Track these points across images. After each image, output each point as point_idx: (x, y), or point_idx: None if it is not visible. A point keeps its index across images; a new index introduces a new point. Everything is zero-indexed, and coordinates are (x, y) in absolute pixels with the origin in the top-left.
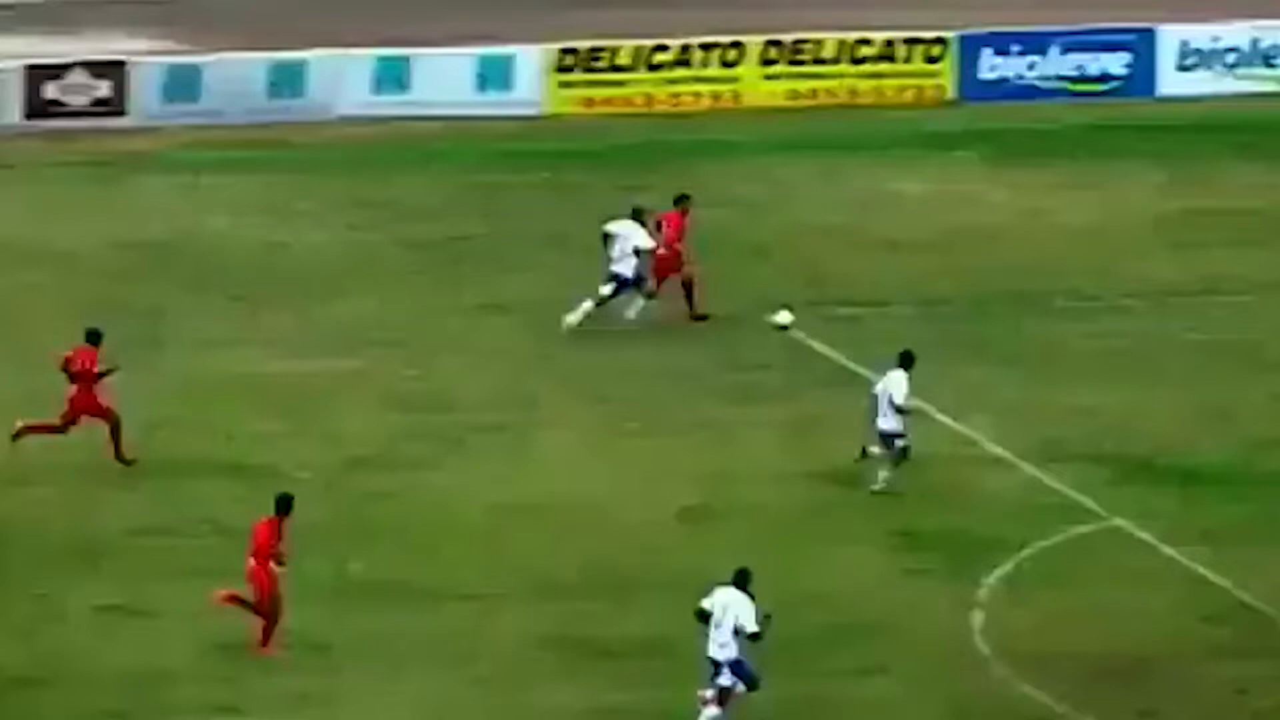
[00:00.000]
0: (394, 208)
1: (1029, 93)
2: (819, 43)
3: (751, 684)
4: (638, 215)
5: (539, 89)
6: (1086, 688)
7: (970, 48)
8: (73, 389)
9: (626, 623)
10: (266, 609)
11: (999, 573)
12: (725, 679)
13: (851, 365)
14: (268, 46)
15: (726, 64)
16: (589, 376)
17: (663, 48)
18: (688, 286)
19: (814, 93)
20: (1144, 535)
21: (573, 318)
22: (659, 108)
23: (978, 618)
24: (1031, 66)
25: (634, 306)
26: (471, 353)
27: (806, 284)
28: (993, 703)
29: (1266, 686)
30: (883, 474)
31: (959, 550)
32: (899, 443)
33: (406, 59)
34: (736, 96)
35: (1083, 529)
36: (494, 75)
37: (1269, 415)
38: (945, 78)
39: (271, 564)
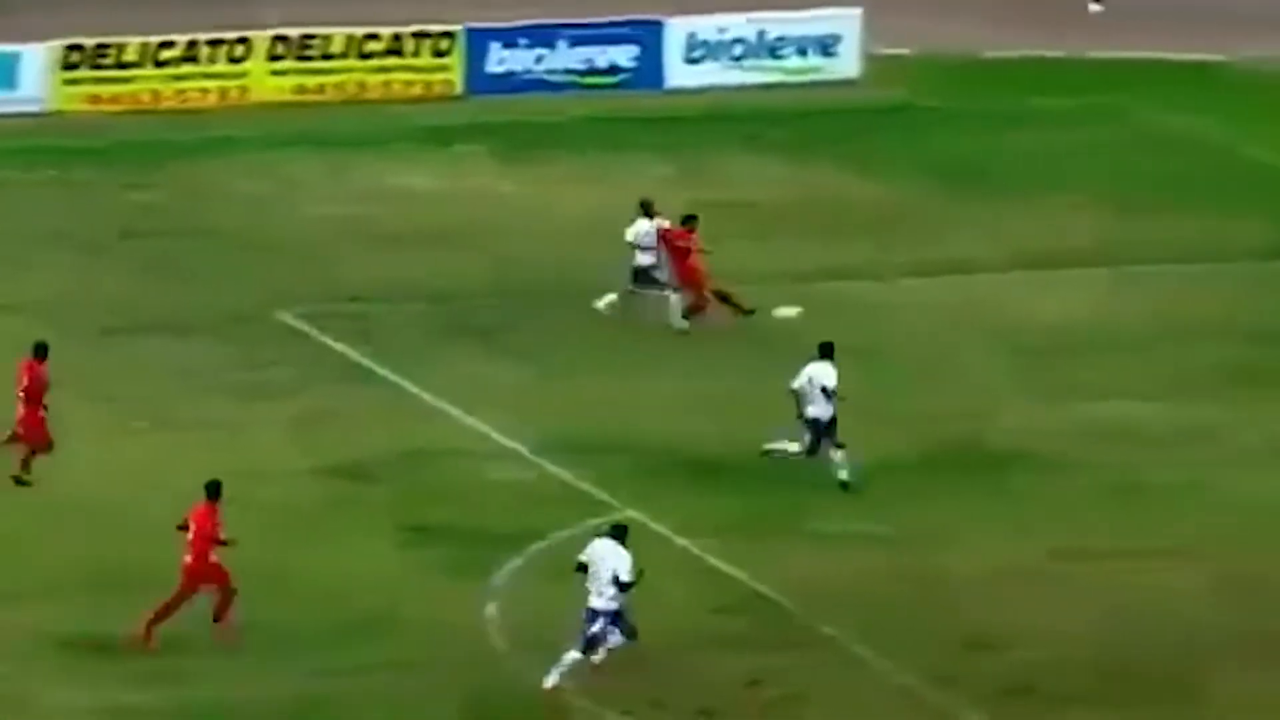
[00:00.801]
0: None
1: (538, 86)
2: (327, 38)
3: (630, 634)
4: (646, 209)
5: (44, 86)
6: (602, 679)
7: (478, 42)
8: (21, 408)
9: (139, 621)
10: (227, 591)
11: (512, 566)
12: (596, 627)
13: (363, 360)
14: None
15: (234, 60)
16: (97, 375)
17: (169, 44)
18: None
19: (321, 88)
20: (658, 527)
21: (602, 303)
22: (166, 104)
23: (492, 611)
24: (539, 60)
25: (674, 312)
26: None
27: (316, 280)
28: (509, 696)
29: (777, 677)
30: (839, 458)
31: (472, 544)
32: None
33: None
34: (244, 92)
35: (596, 521)
36: None
37: (781, 407)
38: (453, 72)
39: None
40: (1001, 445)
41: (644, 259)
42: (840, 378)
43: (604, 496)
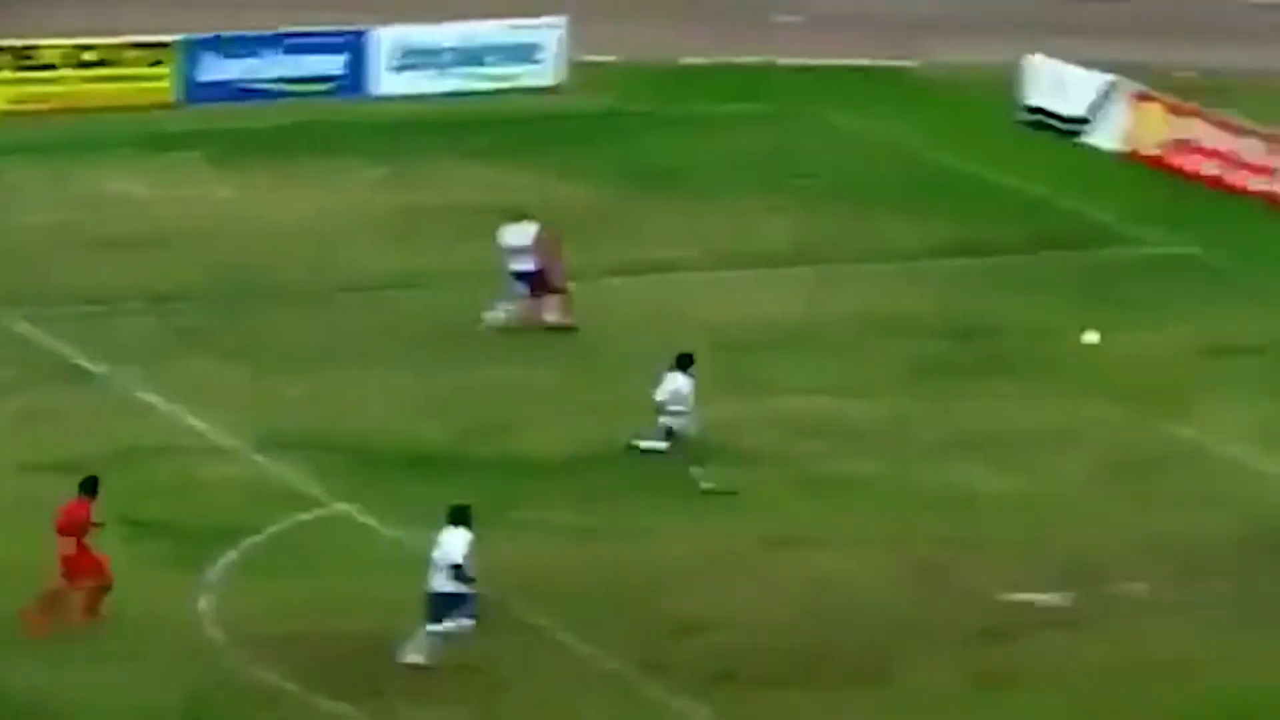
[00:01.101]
0: None
1: (251, 94)
2: (44, 49)
3: (474, 615)
4: (522, 217)
5: None
6: (320, 669)
7: (193, 51)
8: None
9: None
10: (105, 581)
11: (226, 560)
12: (457, 609)
13: (82, 361)
14: None
15: None
16: None
17: None
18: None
19: (41, 97)
20: (366, 520)
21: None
22: None
23: (207, 606)
24: (252, 68)
25: (495, 316)
26: None
27: (36, 284)
28: (227, 690)
29: (484, 664)
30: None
31: (186, 540)
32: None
33: None
34: None
35: (307, 516)
36: None
37: (484, 401)
38: (169, 81)
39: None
40: (704, 438)
41: (520, 265)
42: (542, 375)
43: (317, 492)
